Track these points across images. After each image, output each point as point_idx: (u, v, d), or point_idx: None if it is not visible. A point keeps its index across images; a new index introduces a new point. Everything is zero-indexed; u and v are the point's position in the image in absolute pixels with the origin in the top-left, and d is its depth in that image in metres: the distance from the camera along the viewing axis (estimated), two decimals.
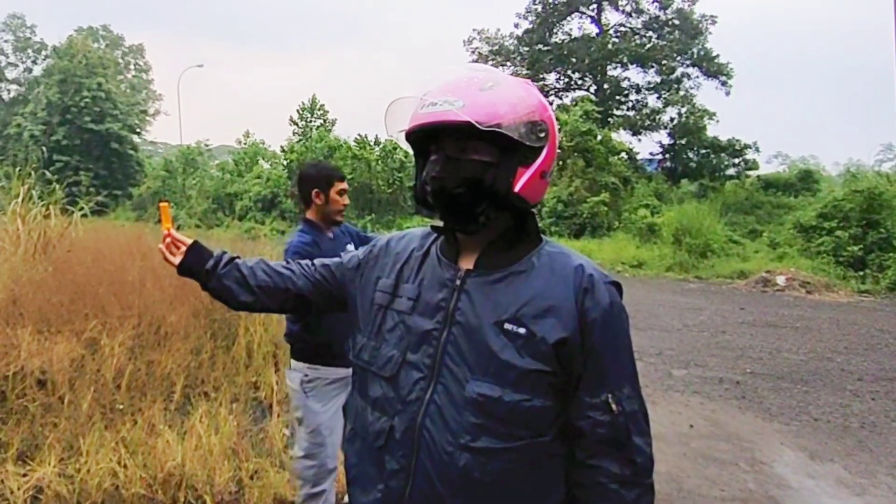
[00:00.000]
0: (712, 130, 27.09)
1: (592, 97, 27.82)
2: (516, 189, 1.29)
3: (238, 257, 1.67)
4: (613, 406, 1.26)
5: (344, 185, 3.04)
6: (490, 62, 32.16)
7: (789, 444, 4.82)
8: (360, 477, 1.41)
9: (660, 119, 29.02)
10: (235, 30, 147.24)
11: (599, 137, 22.80)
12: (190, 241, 1.65)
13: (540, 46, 30.87)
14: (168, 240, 1.66)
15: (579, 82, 31.74)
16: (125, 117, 38.69)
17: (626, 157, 25.02)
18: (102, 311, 5.35)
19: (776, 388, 6.28)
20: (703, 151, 26.97)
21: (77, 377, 4.35)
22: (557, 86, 31.76)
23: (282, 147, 32.63)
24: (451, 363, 1.28)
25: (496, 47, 31.83)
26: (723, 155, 26.59)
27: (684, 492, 3.97)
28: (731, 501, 3.86)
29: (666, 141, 28.45)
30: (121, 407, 4.12)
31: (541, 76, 30.85)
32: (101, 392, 4.21)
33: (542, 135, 1.31)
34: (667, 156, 28.45)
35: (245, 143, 37.19)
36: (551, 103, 31.16)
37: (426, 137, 1.35)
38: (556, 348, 1.24)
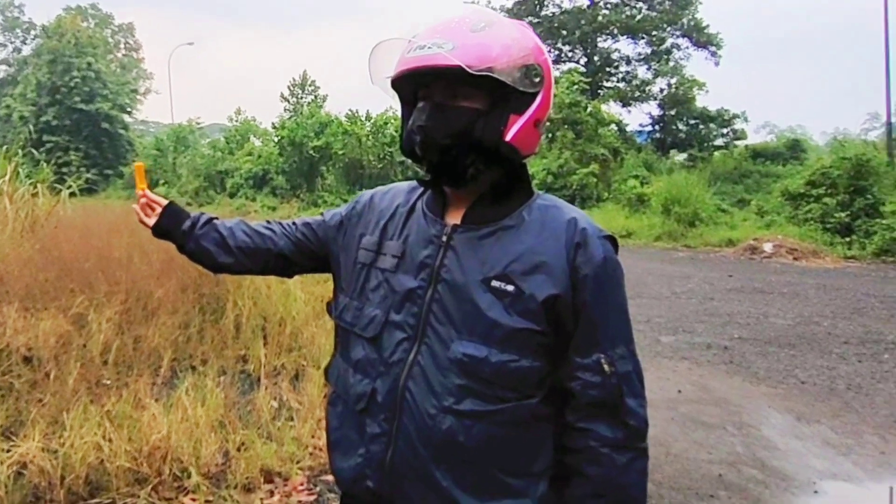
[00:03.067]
0: (701, 101, 27.11)
1: (582, 69, 27.59)
2: (507, 138, 1.20)
3: (216, 218, 1.58)
4: (606, 367, 1.19)
5: None
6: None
7: (776, 407, 4.80)
8: (342, 441, 1.35)
9: (650, 90, 28.94)
10: (227, 6, 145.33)
11: (589, 109, 22.65)
12: (165, 202, 1.57)
13: (531, 19, 30.54)
14: (143, 200, 1.56)
15: (570, 55, 31.53)
16: (115, 97, 38.21)
17: (615, 128, 24.96)
18: (89, 288, 5.26)
19: (763, 352, 6.27)
20: (693, 122, 26.97)
21: (63, 353, 4.27)
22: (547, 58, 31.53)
23: (273, 124, 32.33)
24: (435, 323, 1.21)
25: None
26: (712, 125, 26.60)
27: (672, 455, 3.94)
28: (718, 464, 3.84)
29: (656, 112, 28.42)
30: (108, 382, 4.05)
31: None
32: (87, 367, 4.14)
33: (538, 80, 1.22)
34: (656, 126, 28.37)
35: (236, 121, 36.84)
36: None
37: (413, 84, 1.26)
38: (545, 306, 1.17)
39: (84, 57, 36.34)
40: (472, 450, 1.18)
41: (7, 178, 8.23)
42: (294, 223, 1.57)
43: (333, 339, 1.45)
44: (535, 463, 1.24)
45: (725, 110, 26.34)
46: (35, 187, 8.36)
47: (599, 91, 28.67)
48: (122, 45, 57.76)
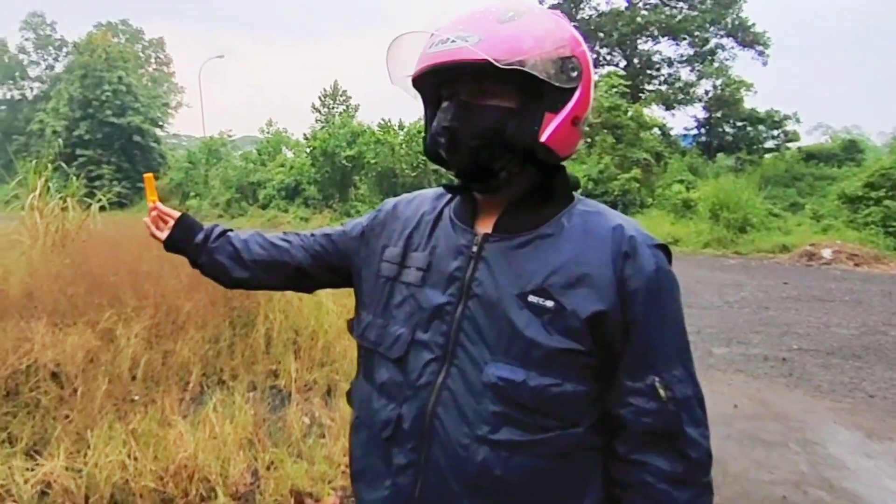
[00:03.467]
0: (750, 102, 26.55)
1: (621, 72, 27.33)
2: (542, 139, 1.11)
3: (230, 230, 1.53)
4: (661, 391, 1.09)
5: None
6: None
7: (843, 423, 4.59)
8: (367, 471, 1.26)
9: (694, 92, 28.46)
10: (256, 19, 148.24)
11: (630, 113, 22.37)
12: (178, 214, 1.52)
13: None
14: (154, 213, 1.53)
15: (608, 58, 31.21)
16: (146, 110, 39.07)
17: (658, 132, 24.59)
18: (118, 302, 5.30)
19: (826, 364, 6.02)
20: (740, 124, 26.44)
21: (91, 369, 4.28)
22: None
23: (305, 135, 32.71)
24: (467, 342, 1.13)
25: None
26: (761, 127, 26.04)
27: (731, 476, 3.77)
28: (781, 485, 3.66)
29: (701, 115, 27.94)
30: (136, 398, 4.05)
31: None
32: (115, 383, 4.14)
33: (574, 74, 1.12)
34: (702, 130, 27.91)
35: (268, 133, 37.34)
36: None
37: (437, 82, 1.17)
38: (590, 323, 1.07)
39: (115, 71, 37.29)
40: (510, 484, 1.09)
41: (37, 192, 8.43)
42: (313, 234, 1.51)
43: (357, 359, 1.37)
44: (582, 500, 1.14)
45: (775, 111, 25.76)
46: (65, 201, 8.51)
47: (640, 94, 28.29)
48: (152, 60, 59.38)
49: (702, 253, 14.90)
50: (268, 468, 3.22)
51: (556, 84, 1.10)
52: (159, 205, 1.54)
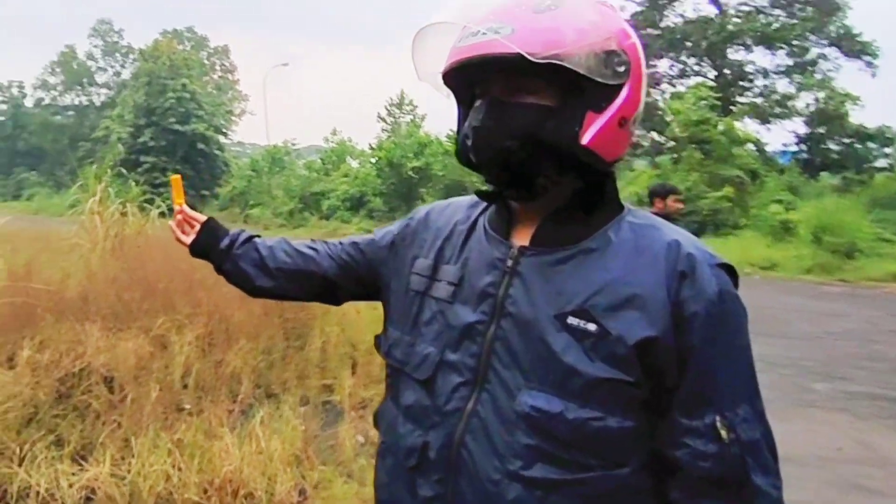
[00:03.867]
0: (856, 117, 25.46)
1: (711, 83, 26.76)
2: (584, 141, 1.04)
3: (257, 236, 1.53)
4: (723, 432, 1.00)
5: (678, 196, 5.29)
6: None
7: None
8: (390, 501, 1.22)
9: (792, 106, 27.54)
10: (321, 27, 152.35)
11: (720, 127, 21.82)
12: (204, 218, 1.53)
13: (649, 31, 29.98)
14: (180, 216, 1.54)
15: (696, 68, 30.67)
16: (210, 118, 40.52)
17: (753, 147, 23.90)
18: (172, 309, 5.47)
19: None
20: (847, 140, 25.40)
21: (143, 375, 4.42)
22: (671, 73, 30.86)
23: (370, 145, 33.32)
24: (499, 366, 1.07)
25: None
26: (870, 144, 24.96)
27: None
28: None
29: (801, 130, 27.01)
30: (187, 407, 4.15)
31: (651, 63, 30.01)
32: (165, 391, 4.26)
33: (622, 69, 1.05)
34: (802, 146, 27.01)
35: (332, 142, 38.17)
36: (663, 92, 30.26)
37: (469, 79, 1.12)
38: (638, 351, 1.00)
39: (179, 79, 38.87)
40: None
41: (97, 197, 8.83)
42: (341, 242, 1.49)
43: (385, 378, 1.33)
44: None
45: (887, 127, 24.72)
46: (124, 206, 8.88)
47: (732, 107, 27.61)
48: (217, 67, 61.78)
49: (801, 279, 14.34)
50: (315, 487, 3.23)
51: (600, 80, 1.04)
52: (185, 208, 1.55)
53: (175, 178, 1.64)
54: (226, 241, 1.49)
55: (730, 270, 1.08)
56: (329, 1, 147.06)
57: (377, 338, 1.35)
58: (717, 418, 1.01)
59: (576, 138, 1.04)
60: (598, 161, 1.07)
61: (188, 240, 1.52)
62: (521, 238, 1.14)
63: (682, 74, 30.73)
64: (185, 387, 4.45)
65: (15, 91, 61.01)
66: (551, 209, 1.12)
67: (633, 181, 24.02)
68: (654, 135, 29.49)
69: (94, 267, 7.06)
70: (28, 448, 3.37)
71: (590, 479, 1.01)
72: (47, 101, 62.12)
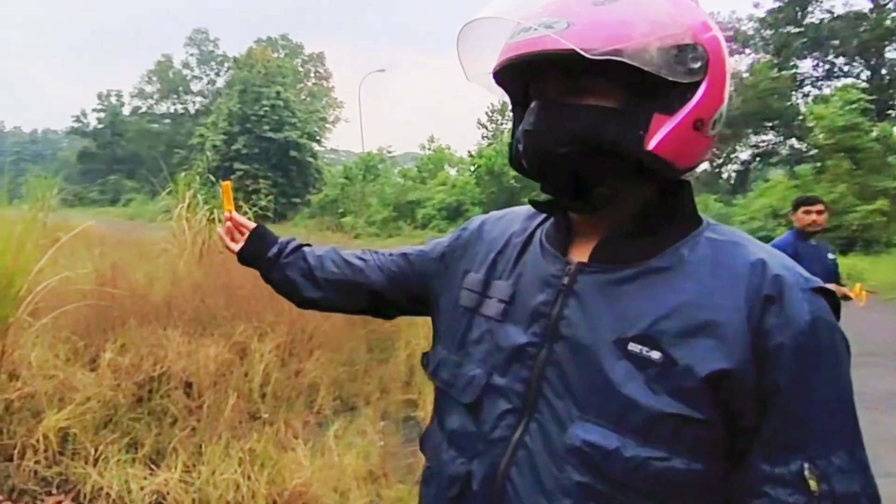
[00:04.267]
0: None
1: (863, 84, 25.43)
2: (650, 146, 0.97)
3: (307, 245, 1.55)
4: (812, 482, 0.90)
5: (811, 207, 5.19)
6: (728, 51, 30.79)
7: None
8: None
9: None
10: (419, 35, 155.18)
11: (874, 133, 20.69)
12: (253, 225, 1.56)
13: (790, 29, 28.96)
14: (229, 223, 1.57)
15: (845, 69, 29.32)
16: (304, 125, 42.00)
17: None
18: (254, 316, 5.65)
19: None
20: None
21: (222, 382, 4.56)
22: (815, 74, 29.66)
23: (469, 152, 33.55)
24: (550, 394, 1.02)
25: (731, 32, 30.30)
26: None
27: None
28: None
29: None
30: (266, 416, 4.25)
31: (792, 63, 28.93)
32: (243, 399, 4.38)
33: (697, 66, 0.97)
34: None
35: (429, 149, 38.68)
36: (807, 94, 29.07)
37: (523, 79, 1.08)
38: (709, 385, 0.91)
39: (273, 86, 40.47)
40: None
41: (186, 203, 9.26)
42: (392, 254, 1.48)
43: (433, 401, 1.30)
44: None
45: None
46: (212, 213, 9.27)
47: (889, 111, 26.17)
48: (311, 74, 64.00)
49: None
50: None
51: (670, 78, 0.96)
52: (235, 215, 1.58)
53: (225, 185, 1.68)
54: (274, 250, 1.51)
55: (828, 296, 0.98)
56: (423, 9, 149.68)
57: (424, 355, 1.32)
58: (807, 466, 0.91)
59: (640, 143, 0.97)
60: (667, 168, 1.00)
61: (236, 247, 1.55)
62: (581, 254, 1.08)
63: (829, 76, 29.47)
64: (263, 396, 4.56)
65: (113, 100, 65.43)
66: (616, 222, 1.06)
67: (765, 192, 23.17)
68: (794, 142, 28.39)
69: (179, 272, 7.39)
70: (103, 449, 3.54)
71: None
72: (144, 109, 66.42)
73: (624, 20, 0.95)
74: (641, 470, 0.93)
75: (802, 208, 5.27)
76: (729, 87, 1.05)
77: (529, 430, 1.03)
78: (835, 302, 0.99)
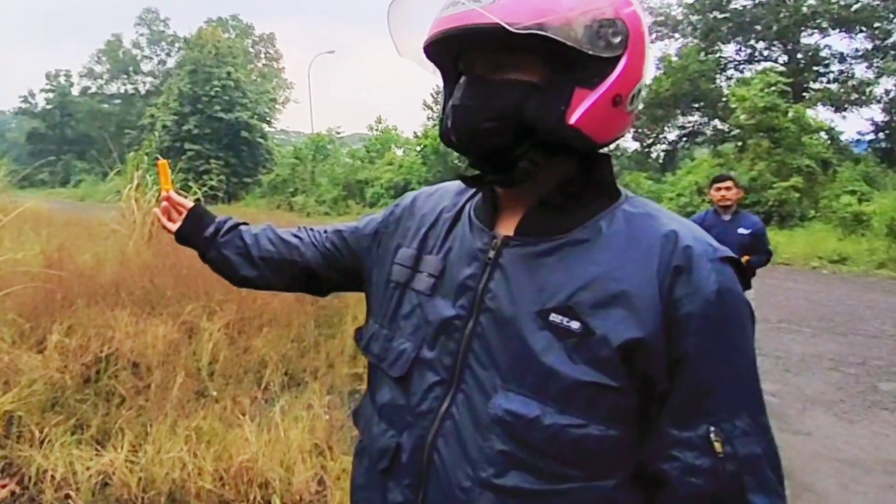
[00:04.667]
0: None
1: (780, 68, 25.98)
2: (571, 121, 0.97)
3: (244, 223, 1.52)
4: (718, 445, 0.93)
5: (721, 184, 5.46)
6: (654, 35, 31.17)
7: None
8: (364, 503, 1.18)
9: (871, 92, 26.62)
10: (368, 15, 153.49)
11: (790, 114, 21.23)
12: (190, 205, 1.53)
13: (716, 14, 29.32)
14: (165, 203, 1.54)
15: (765, 53, 29.87)
16: (254, 106, 41.24)
17: (825, 136, 23.20)
18: (204, 295, 5.55)
19: None
20: None
21: (170, 361, 4.47)
22: (738, 58, 30.19)
23: (415, 133, 33.45)
24: (476, 365, 1.02)
25: (661, 18, 30.71)
26: None
27: None
28: None
29: (879, 117, 26.13)
30: (214, 394, 4.18)
31: (716, 48, 29.39)
32: (191, 378, 4.30)
33: (617, 40, 0.97)
34: (880, 134, 26.14)
35: (377, 130, 38.42)
36: (729, 78, 29.57)
37: (453, 53, 1.07)
38: (622, 353, 0.93)
39: (224, 67, 39.61)
40: None
41: (135, 184, 9.04)
42: (326, 230, 1.46)
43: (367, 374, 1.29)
44: None
45: None
46: (161, 193, 9.07)
47: (804, 94, 26.80)
48: (262, 55, 62.75)
49: (875, 274, 13.84)
50: (337, 478, 3.20)
51: (591, 53, 0.96)
52: (172, 194, 1.55)
53: (162, 164, 1.65)
54: (211, 229, 1.49)
55: (735, 264, 0.99)
56: None
57: (357, 330, 1.32)
58: (712, 430, 0.94)
59: (562, 118, 0.97)
60: (588, 143, 1.00)
61: (174, 227, 1.52)
62: (507, 227, 1.09)
63: (751, 60, 30.00)
64: (212, 374, 4.49)
65: (62, 80, 63.05)
66: (540, 196, 1.05)
67: (692, 170, 23.66)
68: (718, 122, 28.92)
69: (128, 253, 7.23)
70: (48, 432, 3.44)
71: (569, 490, 0.95)
72: (93, 89, 64.21)
73: None
74: (560, 437, 0.94)
75: (714, 185, 5.55)
76: (648, 63, 1.05)
77: (456, 402, 1.03)
78: (742, 271, 1.00)
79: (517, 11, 0.92)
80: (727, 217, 5.40)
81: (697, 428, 0.94)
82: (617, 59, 0.98)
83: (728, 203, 5.41)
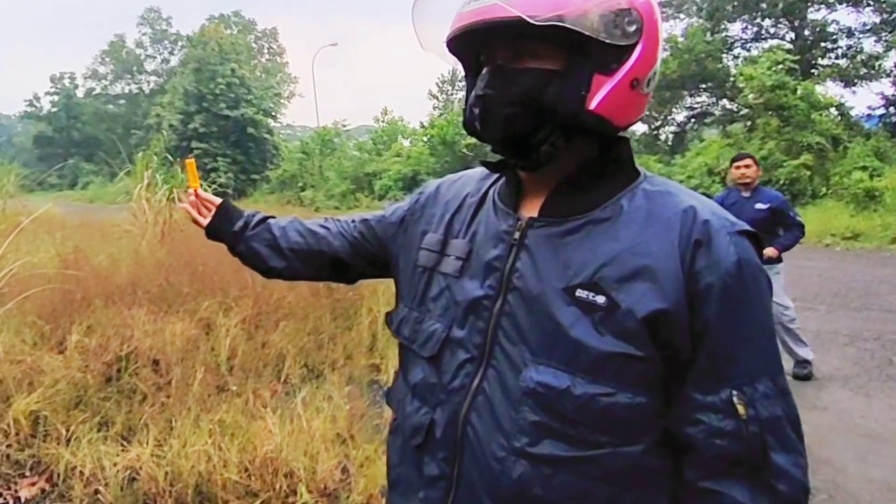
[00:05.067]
0: None
1: (788, 45, 25.77)
2: (591, 106, 1.03)
3: (271, 217, 1.58)
4: (741, 408, 0.98)
5: (739, 163, 5.65)
6: (661, 14, 30.91)
7: None
8: (400, 480, 1.25)
9: (880, 66, 26.34)
10: (371, 6, 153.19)
11: (799, 92, 21.07)
12: (219, 201, 1.59)
13: None
14: (192, 199, 1.60)
15: (772, 30, 29.57)
16: (259, 101, 41.29)
17: (835, 112, 23.02)
18: (220, 292, 5.61)
19: None
20: None
21: (189, 357, 4.53)
22: (744, 36, 29.83)
23: (422, 123, 33.40)
24: (505, 342, 1.07)
25: None
26: None
27: None
28: None
29: (889, 91, 25.86)
30: (234, 388, 4.24)
31: (723, 26, 29.14)
32: (211, 373, 4.36)
33: (632, 29, 1.04)
34: (891, 109, 25.89)
35: (383, 122, 38.41)
36: (736, 57, 29.33)
37: (475, 47, 1.12)
38: (647, 324, 0.98)
39: (227, 64, 39.69)
40: None
41: (145, 184, 9.11)
42: (353, 220, 1.52)
43: (398, 356, 1.35)
44: None
45: None
46: (171, 192, 9.14)
47: (813, 70, 26.56)
48: (265, 51, 62.82)
49: (889, 249, 13.79)
50: (360, 466, 3.26)
51: (608, 41, 1.02)
52: (200, 191, 1.61)
53: (189, 162, 1.70)
54: (240, 223, 1.55)
55: (753, 238, 1.04)
56: None
57: (388, 315, 1.36)
58: (735, 394, 0.99)
59: (582, 102, 1.03)
60: (608, 126, 1.06)
61: (204, 222, 1.58)
62: (531, 210, 1.14)
63: (757, 38, 29.70)
64: (231, 369, 4.55)
65: (67, 82, 63.19)
66: (562, 178, 1.11)
67: (702, 151, 23.55)
68: (726, 102, 28.73)
69: (142, 252, 7.30)
70: (74, 429, 3.50)
71: (600, 456, 1.01)
72: (98, 90, 64.35)
73: None
74: (590, 406, 0.99)
75: (734, 164, 5.69)
76: (661, 48, 1.10)
77: (487, 377, 1.08)
78: (760, 244, 1.05)
79: (537, 4, 0.98)
80: (747, 194, 5.53)
81: (721, 392, 0.98)
82: (633, 45, 1.03)
83: (748, 181, 5.55)
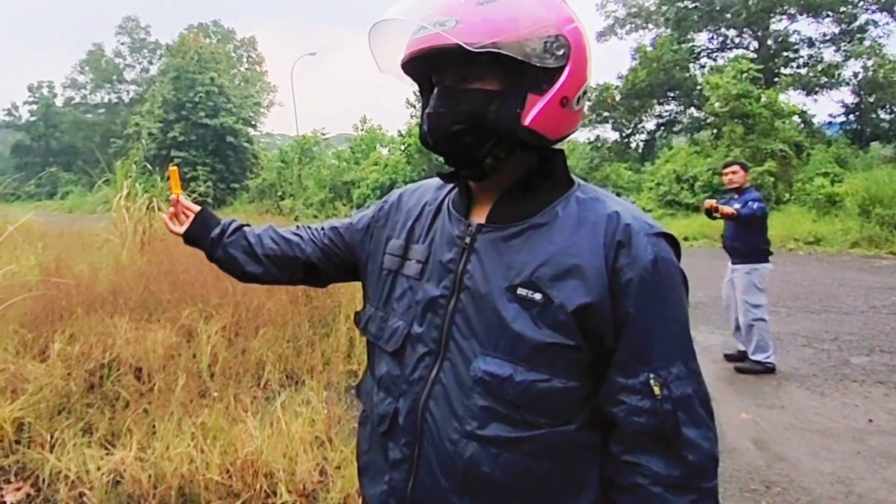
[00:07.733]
0: None
1: (751, 55, 26.18)
2: (526, 122, 1.14)
3: (247, 224, 1.66)
4: (656, 389, 1.10)
5: (725, 170, 6.37)
6: (627, 26, 31.28)
7: None
8: (369, 466, 1.36)
9: (840, 75, 26.81)
10: (349, 15, 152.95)
11: (763, 100, 21.42)
12: (197, 209, 1.66)
13: (686, 4, 29.41)
14: (171, 209, 1.67)
15: (736, 40, 30.00)
16: (239, 110, 41.07)
17: (797, 120, 23.42)
18: (200, 300, 5.64)
19: None
20: None
21: (171, 365, 4.57)
22: (710, 46, 30.26)
23: (399, 132, 33.38)
24: (458, 336, 1.19)
25: (634, 9, 30.84)
26: None
27: (855, 496, 3.59)
28: None
29: (849, 99, 26.34)
30: (216, 393, 4.29)
31: (689, 36, 29.52)
32: (193, 379, 4.40)
33: (561, 52, 1.15)
34: (851, 116, 26.36)
35: (362, 130, 38.31)
36: (702, 66, 29.55)
37: (426, 69, 1.24)
38: (577, 317, 1.10)
39: (206, 73, 39.43)
40: (499, 482, 1.14)
41: (125, 193, 9.07)
42: (323, 227, 1.61)
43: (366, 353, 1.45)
44: (577, 500, 1.17)
45: None
46: (151, 201, 9.12)
47: (776, 79, 27.00)
48: (244, 59, 62.14)
49: (849, 253, 14.06)
50: (338, 468, 3.33)
51: (539, 64, 1.13)
52: (182, 198, 1.67)
53: (173, 170, 1.77)
54: (216, 231, 1.62)
55: (669, 239, 1.16)
56: None
57: (356, 314, 1.46)
58: (651, 376, 1.11)
59: (517, 119, 1.14)
60: (542, 140, 1.17)
61: (181, 230, 1.65)
62: (480, 216, 1.26)
63: (723, 47, 30.12)
64: (212, 375, 4.59)
65: (45, 91, 62.20)
66: (504, 187, 1.22)
67: (670, 158, 23.83)
68: (693, 110, 29.09)
69: (123, 261, 7.30)
70: (59, 435, 3.54)
71: (538, 436, 1.12)
72: (77, 99, 63.32)
73: (500, 18, 1.11)
74: (530, 391, 1.11)
75: (723, 170, 6.39)
76: (590, 69, 1.22)
77: (443, 369, 1.19)
78: (677, 244, 1.18)
79: (475, 33, 1.09)
80: (736, 196, 6.16)
81: (639, 375, 1.11)
82: (562, 67, 1.15)
83: (735, 185, 6.23)
